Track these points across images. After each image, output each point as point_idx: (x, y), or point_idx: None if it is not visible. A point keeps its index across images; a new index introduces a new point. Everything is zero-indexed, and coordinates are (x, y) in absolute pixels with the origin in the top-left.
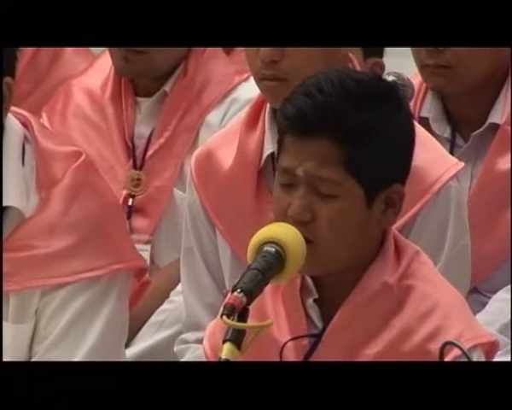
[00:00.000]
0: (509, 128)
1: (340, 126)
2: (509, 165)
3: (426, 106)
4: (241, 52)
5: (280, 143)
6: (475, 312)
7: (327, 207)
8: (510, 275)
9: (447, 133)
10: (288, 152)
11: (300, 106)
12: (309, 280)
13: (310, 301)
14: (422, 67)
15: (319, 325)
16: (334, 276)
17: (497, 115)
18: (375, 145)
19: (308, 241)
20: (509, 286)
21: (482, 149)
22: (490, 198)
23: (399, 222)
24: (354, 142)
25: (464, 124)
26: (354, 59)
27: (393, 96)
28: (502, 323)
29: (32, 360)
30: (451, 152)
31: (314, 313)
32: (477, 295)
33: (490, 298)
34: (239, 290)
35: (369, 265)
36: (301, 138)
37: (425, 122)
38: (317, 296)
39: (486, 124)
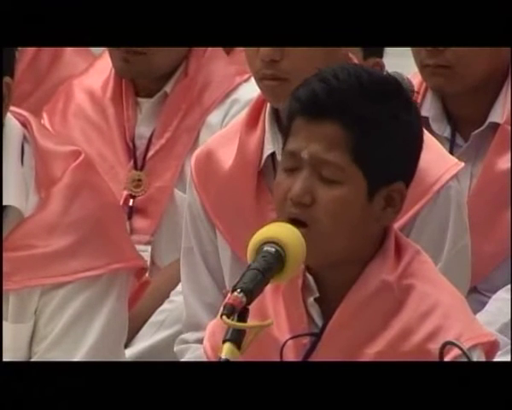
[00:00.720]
0: (509, 127)
1: (350, 112)
2: (509, 164)
3: (426, 105)
4: (240, 52)
5: (288, 129)
6: (475, 311)
7: (328, 192)
8: (510, 275)
9: (447, 133)
10: (296, 135)
11: (314, 89)
12: (310, 279)
13: (311, 299)
14: (422, 67)
15: (320, 323)
16: (333, 272)
17: (497, 115)
18: (382, 137)
19: (304, 225)
20: (509, 286)
21: (482, 149)
22: (490, 198)
23: (400, 222)
24: (362, 130)
25: (464, 123)
26: (354, 59)
27: (404, 95)
28: (502, 323)
29: (32, 359)
30: (451, 152)
31: (315, 312)
32: (477, 294)
33: (490, 298)
34: (239, 290)
35: (369, 263)
36: (311, 121)
37: (425, 122)
38: (318, 295)
39: (486, 123)
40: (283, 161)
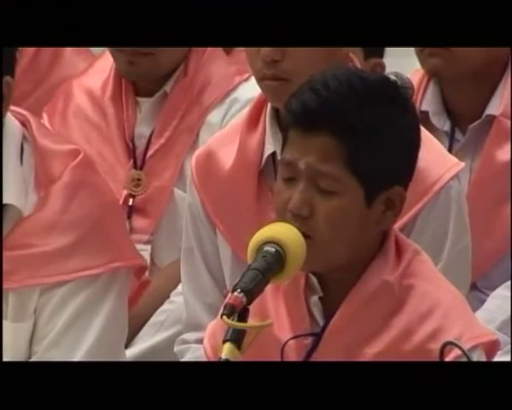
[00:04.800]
0: (505, 119)
1: (342, 122)
2: (507, 156)
3: (426, 100)
4: (240, 52)
5: (284, 138)
6: (474, 309)
7: (326, 203)
8: (510, 272)
9: (446, 127)
10: (291, 146)
11: (305, 100)
12: (313, 279)
13: (314, 298)
14: (420, 50)
15: (322, 323)
16: (336, 273)
17: (494, 107)
18: (378, 144)
19: (306, 236)
20: (508, 283)
21: (480, 143)
22: (489, 192)
23: (400, 222)
24: (356, 139)
25: (463, 118)
26: (355, 59)
27: (400, 97)
28: (501, 320)
29: (32, 359)
30: (451, 146)
31: (317, 311)
32: (476, 292)
33: (489, 295)
34: (239, 290)
35: (370, 263)
36: (305, 133)
37: (425, 116)
38: (321, 294)
39: (483, 116)
40: (281, 170)
